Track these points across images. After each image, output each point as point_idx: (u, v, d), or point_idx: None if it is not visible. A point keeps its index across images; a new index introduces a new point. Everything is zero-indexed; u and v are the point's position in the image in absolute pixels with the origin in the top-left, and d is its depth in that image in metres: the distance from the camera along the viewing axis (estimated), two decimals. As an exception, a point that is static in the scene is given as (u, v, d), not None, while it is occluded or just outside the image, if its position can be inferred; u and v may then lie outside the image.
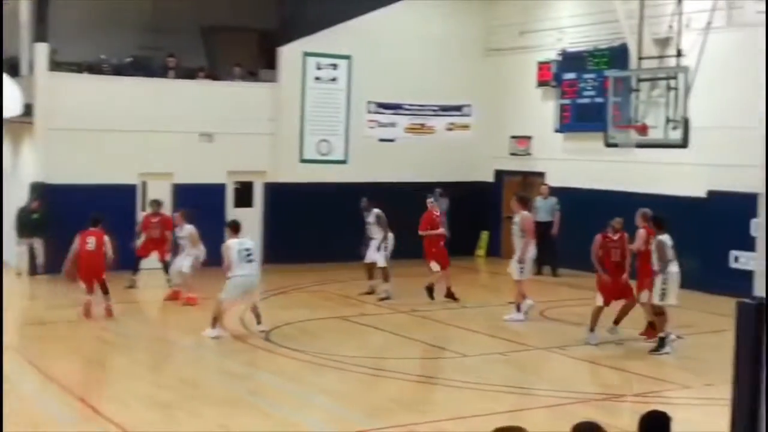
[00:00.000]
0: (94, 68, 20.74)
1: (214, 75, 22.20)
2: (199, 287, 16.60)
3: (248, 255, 14.01)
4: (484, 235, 23.90)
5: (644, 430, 5.50)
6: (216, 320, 14.00)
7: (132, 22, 21.70)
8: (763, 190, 6.99)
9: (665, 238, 13.38)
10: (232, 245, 14.01)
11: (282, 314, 15.97)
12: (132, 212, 20.35)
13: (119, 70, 21.04)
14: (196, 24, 22.51)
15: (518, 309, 15.72)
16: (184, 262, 16.93)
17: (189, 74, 21.55)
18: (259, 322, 14.32)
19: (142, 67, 21.38)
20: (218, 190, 21.27)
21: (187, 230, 17.01)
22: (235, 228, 14.38)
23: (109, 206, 19.52)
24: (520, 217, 15.49)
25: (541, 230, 20.61)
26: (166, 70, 21.34)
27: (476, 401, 11.10)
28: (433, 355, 13.64)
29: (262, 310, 14.42)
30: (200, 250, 16.98)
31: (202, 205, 20.17)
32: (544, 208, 20.74)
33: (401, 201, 20.68)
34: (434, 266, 17.00)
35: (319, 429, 10.09)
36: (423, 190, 19.50)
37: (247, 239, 14.37)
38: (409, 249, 17.94)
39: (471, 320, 15.80)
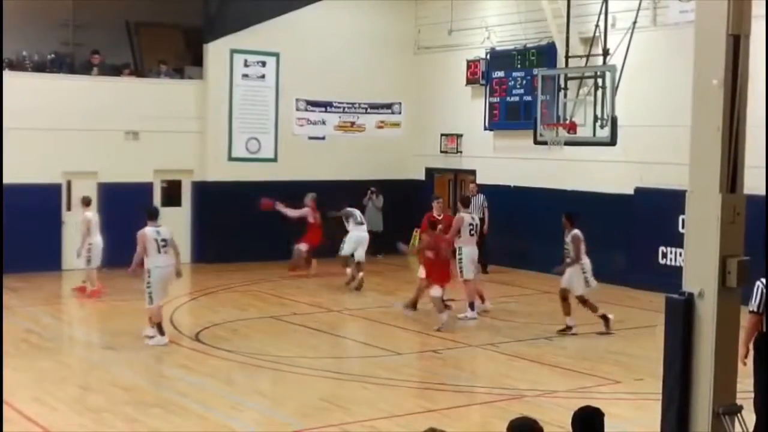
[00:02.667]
0: (15, 65, 20.26)
1: (139, 72, 21.86)
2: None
3: (164, 245, 13.50)
4: (416, 233, 23.92)
5: (578, 425, 5.53)
6: (160, 325, 13.57)
7: (54, 18, 21.25)
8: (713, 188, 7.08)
9: (578, 233, 14.48)
10: (149, 233, 13.56)
11: (211, 315, 15.80)
12: (57, 212, 19.94)
13: (41, 67, 20.59)
14: (121, 20, 22.12)
15: (471, 307, 15.71)
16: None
17: (114, 71, 21.18)
18: (162, 333, 13.64)
19: (64, 64, 20.96)
20: (145, 189, 20.93)
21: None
22: (152, 215, 13.92)
23: (33, 206, 19.17)
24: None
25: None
26: (90, 66, 20.93)
27: (410, 399, 11.11)
28: (365, 354, 13.60)
29: (192, 311, 14.23)
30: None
31: (128, 204, 19.90)
32: (473, 205, 20.82)
33: (332, 199, 20.71)
34: (422, 271, 15.67)
35: (253, 430, 9.98)
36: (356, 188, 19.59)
37: (164, 228, 13.78)
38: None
39: (403, 318, 15.79)
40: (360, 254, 18.45)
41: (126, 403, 10.59)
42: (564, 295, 14.55)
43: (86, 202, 17.58)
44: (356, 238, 18.61)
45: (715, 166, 6.89)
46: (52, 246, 19.75)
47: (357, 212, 19.13)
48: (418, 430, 9.47)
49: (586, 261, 14.53)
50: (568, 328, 14.51)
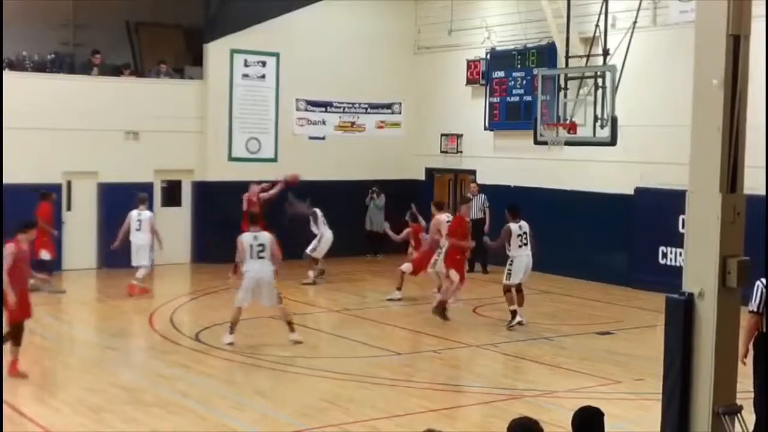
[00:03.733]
0: (16, 65, 20.26)
1: (139, 72, 21.86)
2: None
3: (260, 251, 13.40)
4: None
5: (578, 425, 5.53)
6: (233, 326, 13.51)
7: (54, 18, 21.26)
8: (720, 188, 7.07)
9: (514, 226, 14.98)
10: (245, 239, 13.52)
11: (212, 314, 15.78)
12: (57, 212, 19.90)
13: (41, 67, 20.59)
14: (121, 20, 22.13)
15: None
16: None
17: (114, 71, 21.17)
18: (292, 330, 13.62)
19: (65, 64, 20.95)
20: (145, 189, 20.86)
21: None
22: (253, 221, 14.15)
23: (34, 206, 19.13)
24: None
25: (473, 228, 20.78)
26: (90, 66, 20.93)
27: (409, 399, 11.09)
28: (365, 354, 13.59)
29: (192, 311, 14.22)
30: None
31: (129, 204, 19.89)
32: (475, 205, 20.84)
33: (333, 199, 20.72)
34: (453, 275, 15.57)
35: (253, 430, 9.98)
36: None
37: (263, 234, 13.64)
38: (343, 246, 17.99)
39: (403, 318, 15.79)
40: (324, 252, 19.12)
41: (126, 403, 10.59)
42: (504, 288, 15.03)
43: (142, 200, 17.84)
44: (328, 238, 18.95)
45: (716, 166, 6.89)
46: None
47: (320, 212, 19.22)
48: (418, 430, 9.49)
49: (518, 255, 14.88)
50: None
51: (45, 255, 17.24)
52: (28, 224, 11.96)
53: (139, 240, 17.44)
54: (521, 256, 14.91)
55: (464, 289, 16.10)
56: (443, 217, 16.42)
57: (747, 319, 8.58)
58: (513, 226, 14.96)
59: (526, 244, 15.03)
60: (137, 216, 17.48)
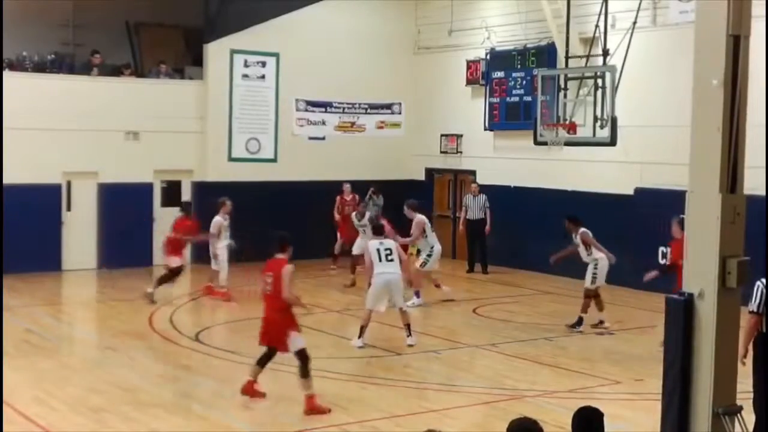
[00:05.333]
0: (16, 65, 20.26)
1: (139, 72, 21.86)
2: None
3: (388, 255, 13.58)
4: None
5: (578, 426, 5.53)
6: (362, 329, 13.61)
7: (54, 18, 21.24)
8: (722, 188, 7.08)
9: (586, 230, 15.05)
10: (372, 245, 13.80)
11: (212, 315, 15.80)
12: (57, 212, 19.94)
13: (41, 67, 20.59)
14: (121, 20, 22.13)
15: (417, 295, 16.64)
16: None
17: (114, 71, 21.17)
18: (408, 334, 13.75)
19: (65, 64, 20.95)
20: (145, 189, 20.95)
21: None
22: (377, 230, 14.28)
23: (34, 206, 19.16)
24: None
25: (473, 228, 20.83)
26: (90, 67, 20.93)
27: (410, 400, 11.09)
28: (365, 354, 13.59)
29: (192, 311, 14.22)
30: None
31: (129, 204, 19.96)
32: (475, 206, 20.87)
33: (333, 199, 20.73)
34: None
35: (253, 430, 9.98)
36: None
37: (387, 240, 14.00)
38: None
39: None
40: None
41: (126, 403, 10.59)
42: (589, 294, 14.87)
43: (222, 204, 17.44)
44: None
45: (715, 166, 6.89)
46: (52, 246, 19.78)
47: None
48: (417, 430, 9.51)
49: (598, 257, 14.81)
50: (601, 321, 14.90)
51: (175, 262, 17.09)
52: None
53: (220, 244, 17.18)
54: (603, 258, 14.83)
55: (464, 289, 16.10)
56: (423, 217, 16.79)
57: (747, 320, 8.58)
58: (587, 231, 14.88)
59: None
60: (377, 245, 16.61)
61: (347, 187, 20.76)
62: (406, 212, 17.19)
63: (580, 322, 14.76)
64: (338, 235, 20.34)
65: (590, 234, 14.90)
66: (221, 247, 17.14)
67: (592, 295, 14.82)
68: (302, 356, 10.40)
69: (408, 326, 13.77)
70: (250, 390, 10.68)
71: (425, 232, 16.69)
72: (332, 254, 20.36)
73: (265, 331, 10.66)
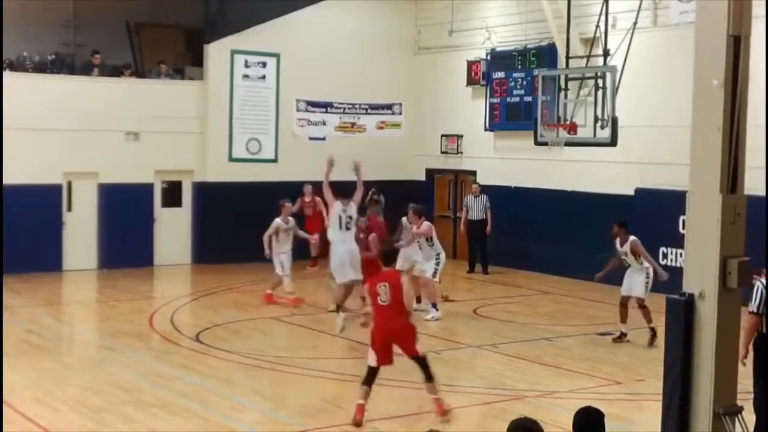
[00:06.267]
0: (16, 65, 20.26)
1: (140, 72, 21.86)
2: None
3: (348, 223, 13.43)
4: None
5: (579, 426, 5.52)
6: (339, 307, 13.53)
7: (54, 18, 21.25)
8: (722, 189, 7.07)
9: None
10: (337, 207, 13.79)
11: (212, 315, 15.80)
12: (57, 212, 19.95)
13: (41, 68, 20.59)
14: (121, 20, 22.12)
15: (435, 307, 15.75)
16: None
17: (114, 72, 21.17)
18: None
19: (65, 65, 20.95)
20: (146, 189, 20.95)
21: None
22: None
23: (34, 207, 19.17)
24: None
25: (474, 229, 20.83)
26: (90, 67, 20.93)
27: (410, 400, 11.08)
28: (365, 354, 13.57)
29: (192, 311, 14.21)
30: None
31: (129, 205, 19.97)
32: (476, 206, 20.87)
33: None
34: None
35: (253, 430, 9.97)
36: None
37: (352, 206, 13.94)
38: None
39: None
40: None
41: (126, 403, 10.59)
42: (624, 302, 14.18)
43: (282, 206, 16.98)
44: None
45: (716, 166, 6.88)
46: (53, 247, 19.78)
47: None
48: (418, 430, 9.51)
49: (647, 266, 14.14)
50: (623, 335, 14.15)
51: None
52: None
53: (281, 249, 16.75)
54: (650, 267, 14.18)
55: (464, 289, 16.08)
56: (430, 224, 16.13)
57: (747, 320, 8.58)
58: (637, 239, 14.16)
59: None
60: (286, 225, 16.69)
61: (308, 188, 20.33)
62: (409, 218, 16.12)
63: (655, 334, 13.60)
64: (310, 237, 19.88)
65: (640, 243, 14.18)
66: (284, 252, 16.69)
67: (645, 304, 13.99)
68: (424, 360, 10.34)
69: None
70: (360, 415, 10.00)
71: (431, 240, 15.87)
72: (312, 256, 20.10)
73: (385, 345, 10.29)
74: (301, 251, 19.05)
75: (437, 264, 15.78)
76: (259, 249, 16.51)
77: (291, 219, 16.98)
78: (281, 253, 16.65)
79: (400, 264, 15.39)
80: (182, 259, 21.40)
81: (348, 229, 13.65)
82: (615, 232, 14.31)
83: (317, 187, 18.44)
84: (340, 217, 13.81)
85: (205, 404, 10.68)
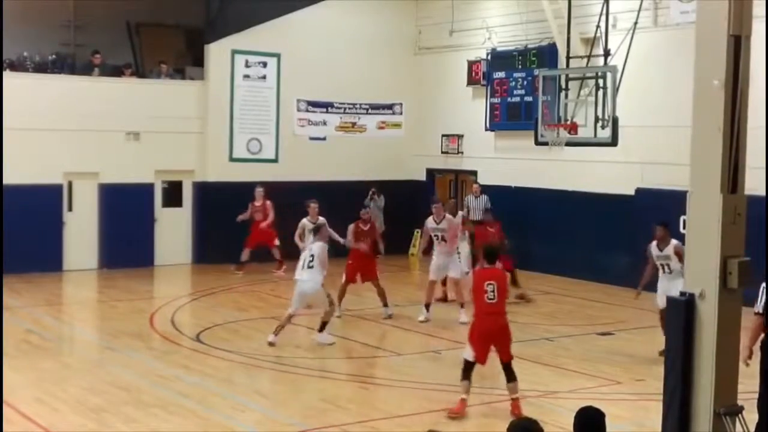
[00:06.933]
0: (16, 65, 20.26)
1: (140, 72, 21.86)
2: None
3: (310, 261, 13.35)
4: (418, 234, 23.92)
5: (580, 426, 5.53)
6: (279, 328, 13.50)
7: (55, 18, 21.26)
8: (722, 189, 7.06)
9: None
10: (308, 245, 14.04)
11: (212, 315, 15.80)
12: (58, 212, 19.95)
13: (42, 68, 20.59)
14: (121, 20, 22.13)
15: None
16: None
17: (115, 72, 21.17)
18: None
19: (65, 65, 20.95)
20: (146, 189, 20.95)
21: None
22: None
23: (34, 207, 19.18)
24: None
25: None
26: (91, 67, 20.93)
27: (411, 400, 11.08)
28: (366, 354, 13.60)
29: (193, 311, 14.20)
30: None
31: (129, 205, 19.96)
32: (477, 206, 20.86)
33: (333, 200, 20.68)
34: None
35: (253, 430, 9.97)
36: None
37: (315, 245, 13.61)
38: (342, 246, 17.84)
39: (404, 319, 15.77)
40: None
41: (126, 403, 10.59)
42: (664, 313, 13.02)
43: (308, 206, 16.82)
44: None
45: (716, 166, 6.88)
46: (53, 247, 19.78)
47: None
48: (418, 430, 9.51)
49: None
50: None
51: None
52: None
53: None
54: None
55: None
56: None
57: (752, 321, 8.56)
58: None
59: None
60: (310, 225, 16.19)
61: (259, 191, 19.99)
62: (448, 211, 16.16)
63: None
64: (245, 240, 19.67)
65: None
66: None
67: None
68: (510, 364, 10.46)
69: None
70: (461, 409, 10.19)
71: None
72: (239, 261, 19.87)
73: (485, 343, 10.32)
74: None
75: (459, 261, 16.14)
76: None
77: (321, 218, 16.63)
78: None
79: (435, 274, 15.72)
80: (182, 259, 21.40)
81: (310, 267, 13.42)
82: (660, 235, 13.19)
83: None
84: (303, 258, 13.66)
85: (205, 404, 10.68)
